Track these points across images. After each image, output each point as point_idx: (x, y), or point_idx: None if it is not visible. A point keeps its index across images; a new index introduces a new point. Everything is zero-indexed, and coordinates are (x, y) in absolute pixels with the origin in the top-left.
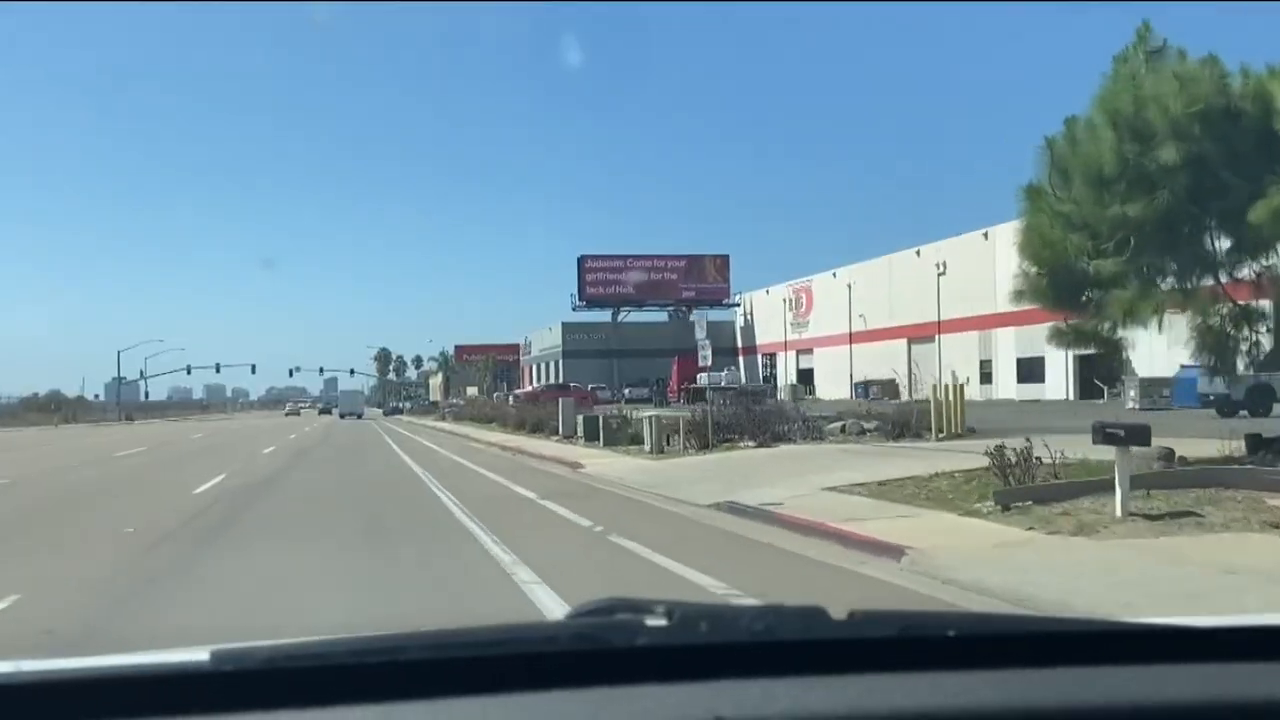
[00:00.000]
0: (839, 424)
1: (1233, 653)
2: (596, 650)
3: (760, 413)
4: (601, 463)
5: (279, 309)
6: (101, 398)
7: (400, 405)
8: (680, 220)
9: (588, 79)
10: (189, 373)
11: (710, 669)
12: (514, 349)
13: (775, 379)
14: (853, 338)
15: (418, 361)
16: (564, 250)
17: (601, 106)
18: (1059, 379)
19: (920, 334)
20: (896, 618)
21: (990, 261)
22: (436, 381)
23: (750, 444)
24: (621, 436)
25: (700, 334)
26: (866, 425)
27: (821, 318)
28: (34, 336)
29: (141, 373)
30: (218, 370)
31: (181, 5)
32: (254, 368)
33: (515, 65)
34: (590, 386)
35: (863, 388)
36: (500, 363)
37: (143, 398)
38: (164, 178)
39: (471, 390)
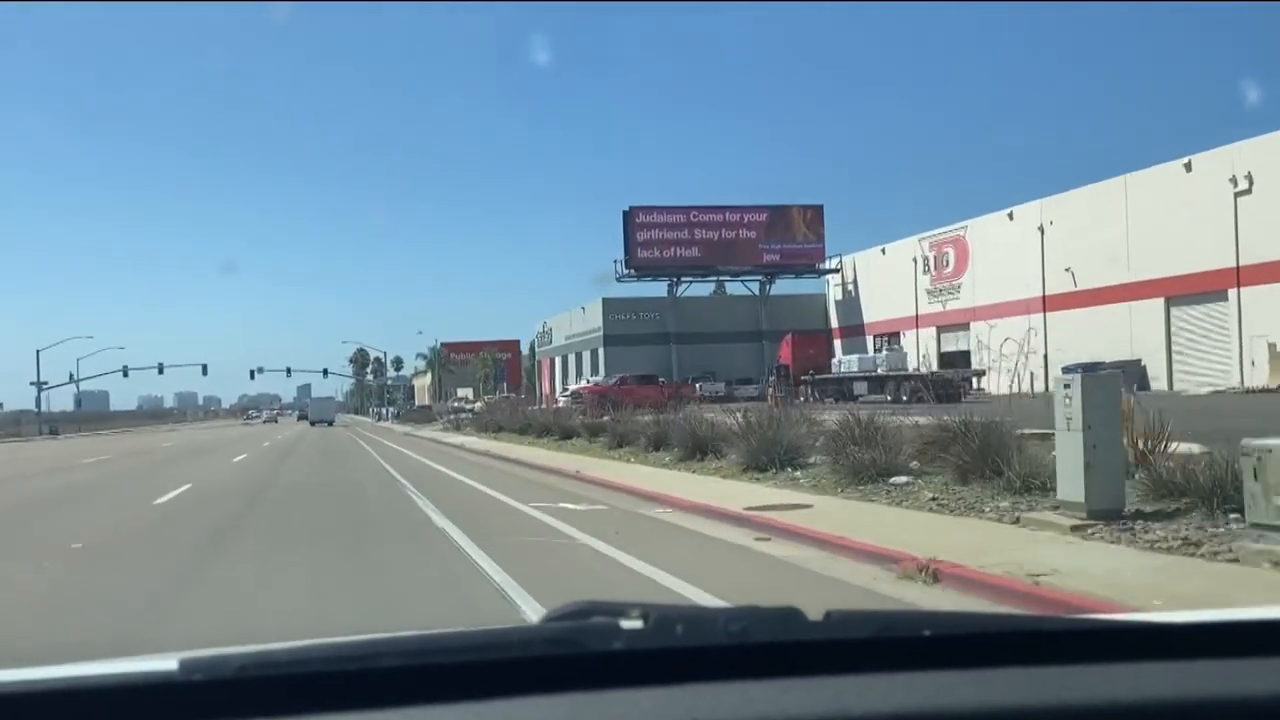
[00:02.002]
0: None
1: (1211, 649)
2: (572, 654)
3: None
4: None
5: (246, 311)
6: (70, 408)
7: (381, 410)
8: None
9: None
10: (125, 375)
11: (686, 672)
12: (511, 345)
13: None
14: (1048, 302)
15: (397, 363)
16: (558, 247)
17: (571, 94)
18: None
19: (1190, 289)
20: (872, 618)
21: None
22: (424, 383)
23: None
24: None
25: None
26: None
27: (985, 278)
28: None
29: (71, 375)
30: (160, 371)
31: (138, 5)
32: (205, 368)
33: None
34: (662, 381)
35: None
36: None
37: (75, 404)
38: (128, 176)
39: (465, 391)
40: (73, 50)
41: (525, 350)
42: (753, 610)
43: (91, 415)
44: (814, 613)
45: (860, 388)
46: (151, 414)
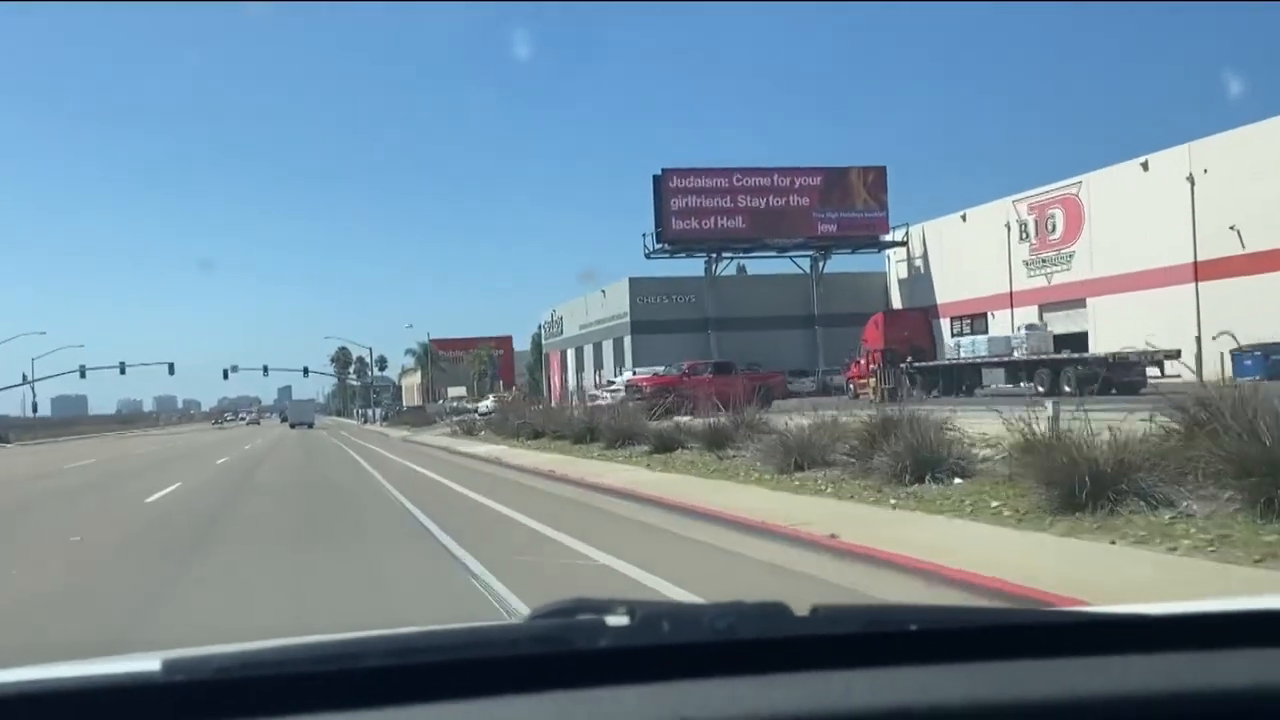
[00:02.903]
0: None
1: (1196, 641)
2: (558, 653)
3: None
4: None
5: (221, 308)
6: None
7: (369, 412)
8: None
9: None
10: (83, 375)
11: (673, 669)
12: (504, 341)
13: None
14: (1200, 270)
15: (381, 362)
16: (551, 241)
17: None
18: None
19: None
20: (860, 613)
21: None
22: (413, 381)
23: None
24: None
25: None
26: None
27: (1107, 244)
28: None
29: (25, 376)
30: (122, 371)
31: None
32: (171, 367)
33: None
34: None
35: (1261, 356)
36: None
37: (31, 408)
38: (98, 167)
39: (458, 391)
40: (40, 40)
41: (519, 347)
42: (739, 606)
43: (53, 421)
44: (800, 608)
45: (991, 377)
46: (123, 419)
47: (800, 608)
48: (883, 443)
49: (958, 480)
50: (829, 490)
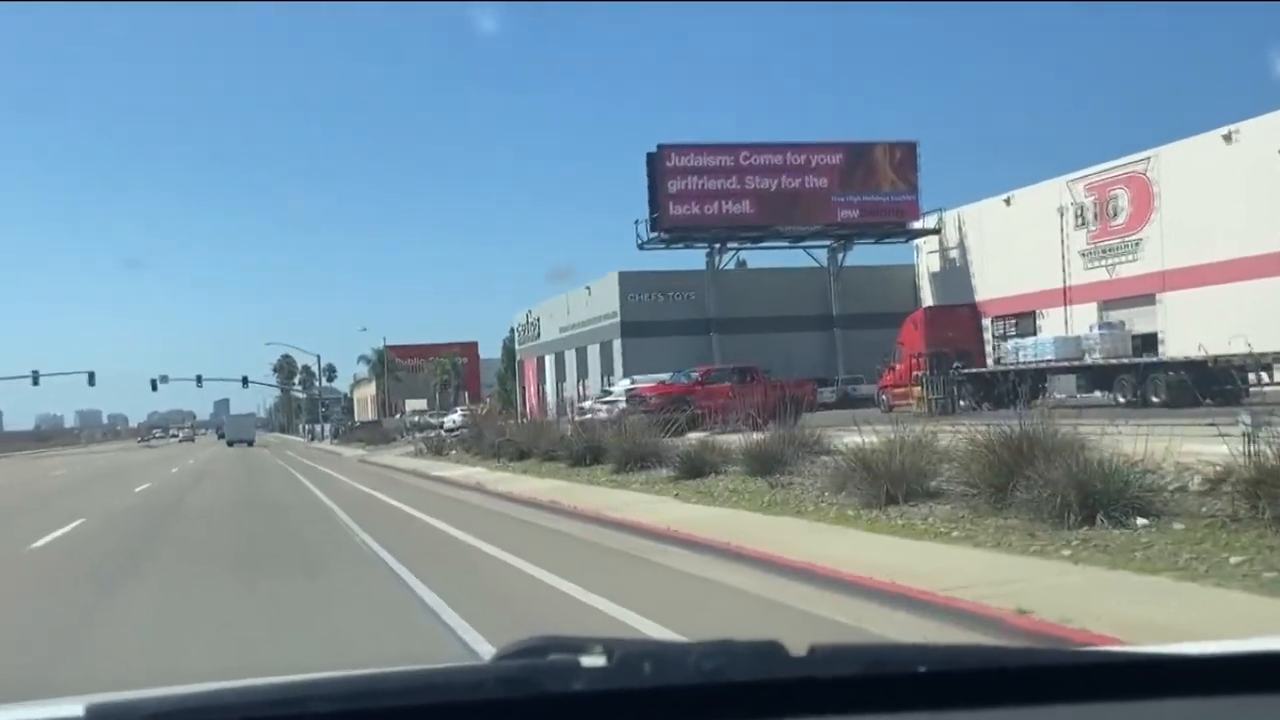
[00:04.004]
0: None
1: (1221, 685)
2: (527, 696)
3: None
4: None
5: (150, 313)
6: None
7: (316, 428)
8: None
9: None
10: None
11: (656, 715)
12: (469, 348)
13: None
14: None
15: (330, 371)
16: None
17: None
18: None
19: None
20: (861, 653)
21: None
22: (367, 393)
23: None
24: None
25: None
26: None
27: (1183, 230)
28: None
29: None
30: (35, 382)
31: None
32: (91, 377)
33: None
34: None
35: None
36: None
37: None
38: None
39: (417, 403)
40: None
41: (486, 354)
42: (728, 645)
43: None
44: (797, 647)
45: (1060, 384)
46: (40, 436)
47: (797, 647)
48: (1023, 468)
49: (1140, 521)
50: (955, 533)
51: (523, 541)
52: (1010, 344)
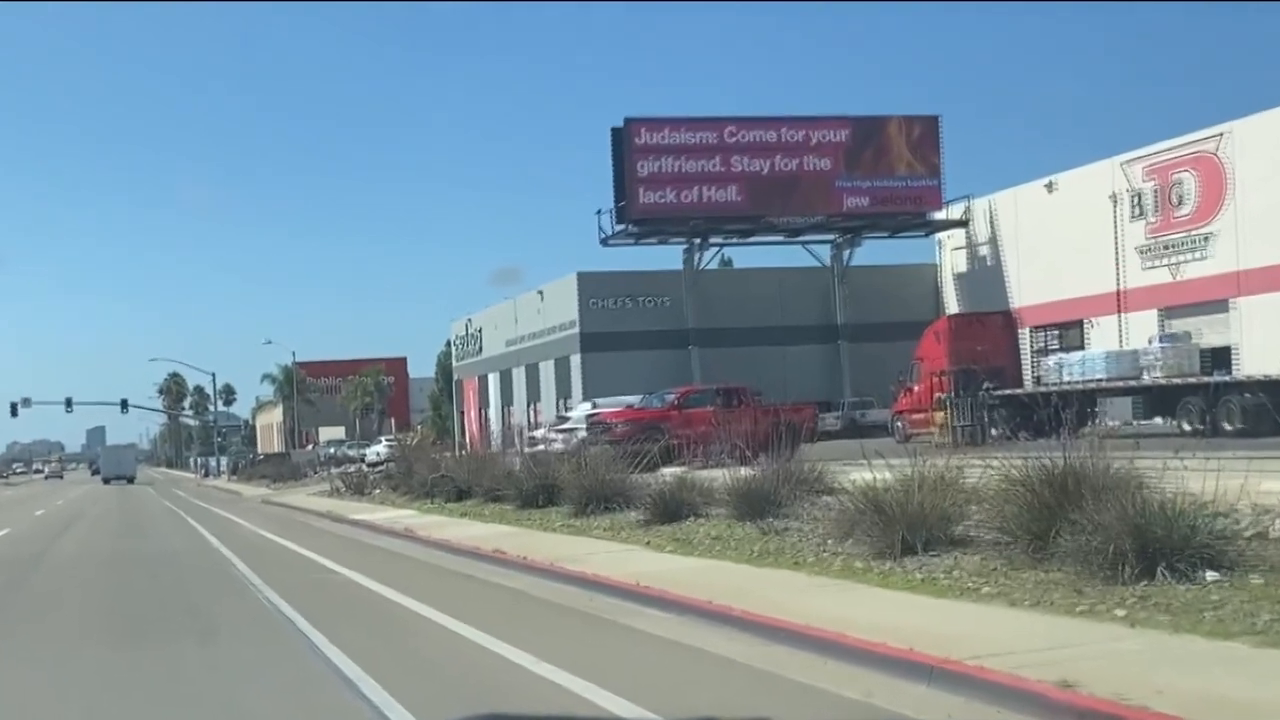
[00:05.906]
0: None
1: None
2: None
3: None
4: None
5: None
6: None
7: (211, 461)
8: None
9: None
10: None
11: None
12: (397, 364)
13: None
14: None
15: (228, 393)
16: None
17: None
18: None
19: None
20: None
21: None
22: (273, 419)
23: None
24: None
25: None
26: None
27: (1264, 223)
28: None
29: None
30: None
31: None
32: None
33: None
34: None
35: None
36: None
37: None
38: None
39: (333, 432)
40: None
41: (417, 372)
42: None
43: None
44: None
45: (1113, 409)
46: None
47: None
48: (1069, 511)
49: (1210, 574)
50: (986, 589)
51: (462, 599)
52: (1052, 360)
